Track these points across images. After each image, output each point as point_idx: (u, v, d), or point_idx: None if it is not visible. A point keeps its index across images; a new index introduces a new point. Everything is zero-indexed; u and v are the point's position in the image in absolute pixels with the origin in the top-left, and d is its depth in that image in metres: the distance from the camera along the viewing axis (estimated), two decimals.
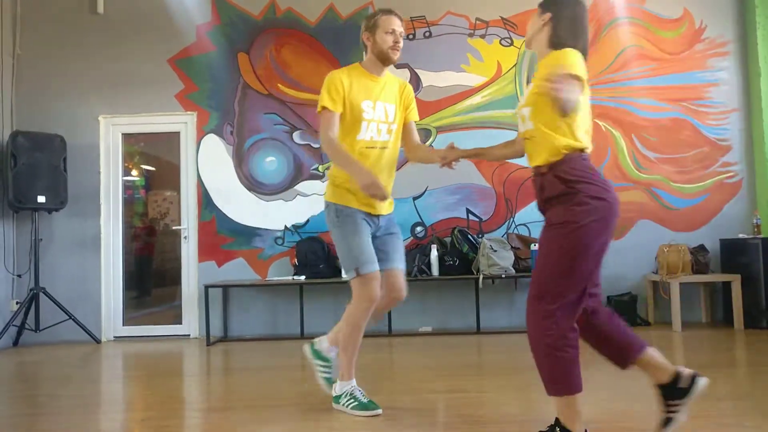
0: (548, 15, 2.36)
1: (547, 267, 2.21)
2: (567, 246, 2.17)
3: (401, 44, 2.98)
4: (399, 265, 3.02)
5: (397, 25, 2.96)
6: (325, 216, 3.02)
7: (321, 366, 3.13)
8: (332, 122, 2.89)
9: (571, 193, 2.20)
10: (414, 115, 3.14)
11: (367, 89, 2.97)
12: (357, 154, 2.90)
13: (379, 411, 2.90)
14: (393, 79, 3.11)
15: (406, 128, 3.11)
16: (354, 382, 2.99)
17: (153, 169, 6.41)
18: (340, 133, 2.93)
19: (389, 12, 2.98)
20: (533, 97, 2.30)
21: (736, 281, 5.27)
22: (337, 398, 2.99)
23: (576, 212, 2.17)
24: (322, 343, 3.14)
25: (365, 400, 2.94)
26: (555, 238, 2.21)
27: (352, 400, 2.93)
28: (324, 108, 2.90)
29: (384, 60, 2.98)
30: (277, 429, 2.75)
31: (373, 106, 2.96)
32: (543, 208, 2.35)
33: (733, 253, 5.52)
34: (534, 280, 2.25)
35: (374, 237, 2.97)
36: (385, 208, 3.01)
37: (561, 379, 2.17)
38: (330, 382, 3.10)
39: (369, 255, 2.86)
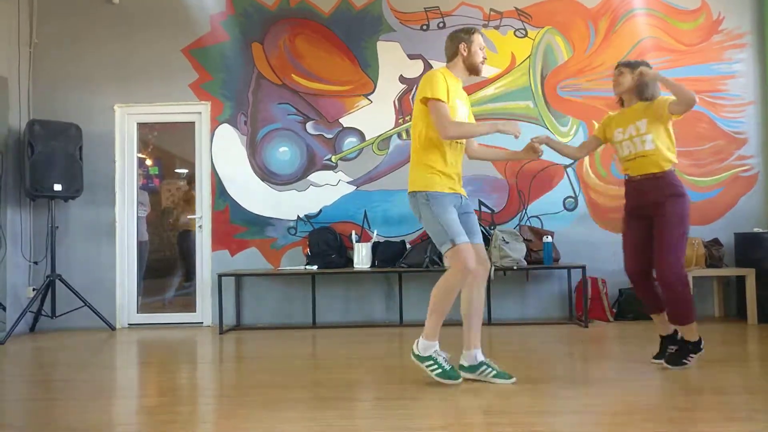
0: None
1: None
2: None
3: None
4: (479, 239, 3.32)
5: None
6: (411, 204, 3.27)
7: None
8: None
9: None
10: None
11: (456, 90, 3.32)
12: (447, 145, 3.22)
13: (460, 380, 3.19)
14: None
15: None
16: (437, 345, 3.21)
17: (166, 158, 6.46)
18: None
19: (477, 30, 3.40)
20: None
21: (750, 275, 5.23)
22: (420, 358, 3.19)
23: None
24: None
25: (447, 368, 3.19)
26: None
27: (436, 367, 3.17)
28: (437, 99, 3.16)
29: (475, 71, 3.37)
30: (288, 416, 2.78)
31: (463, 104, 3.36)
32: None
33: (748, 247, 5.47)
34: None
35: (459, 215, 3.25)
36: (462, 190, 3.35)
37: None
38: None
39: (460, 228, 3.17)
